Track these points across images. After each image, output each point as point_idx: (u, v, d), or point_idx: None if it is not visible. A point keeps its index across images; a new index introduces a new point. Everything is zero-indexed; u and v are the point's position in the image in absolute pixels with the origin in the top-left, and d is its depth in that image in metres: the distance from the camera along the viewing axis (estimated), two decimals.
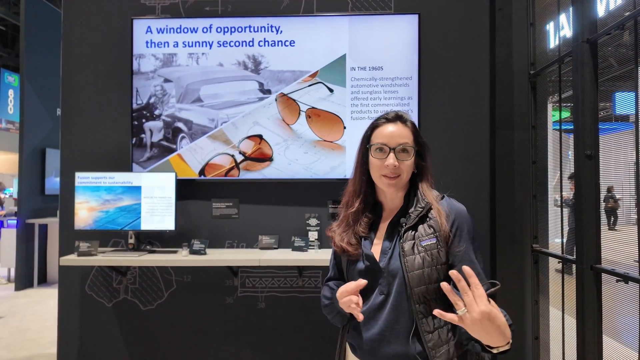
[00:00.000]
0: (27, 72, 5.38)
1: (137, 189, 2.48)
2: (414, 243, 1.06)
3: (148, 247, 2.63)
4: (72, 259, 2.39)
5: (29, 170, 5.53)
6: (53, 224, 5.54)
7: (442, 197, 1.14)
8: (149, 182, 2.49)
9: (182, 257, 2.38)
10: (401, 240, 1.07)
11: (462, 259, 1.04)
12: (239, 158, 2.63)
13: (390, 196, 1.15)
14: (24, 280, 5.49)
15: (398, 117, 1.13)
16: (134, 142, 2.65)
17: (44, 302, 4.94)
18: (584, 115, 1.81)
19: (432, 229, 1.07)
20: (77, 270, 2.68)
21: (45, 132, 5.73)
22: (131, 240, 2.52)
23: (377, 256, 1.11)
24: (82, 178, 2.50)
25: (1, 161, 11.78)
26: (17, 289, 5.43)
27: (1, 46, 9.49)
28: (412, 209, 1.10)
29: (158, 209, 2.47)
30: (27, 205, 5.51)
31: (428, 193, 1.12)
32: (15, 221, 5.56)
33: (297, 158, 2.61)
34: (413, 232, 1.07)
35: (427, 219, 1.08)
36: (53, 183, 5.78)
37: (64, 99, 2.74)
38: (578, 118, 1.84)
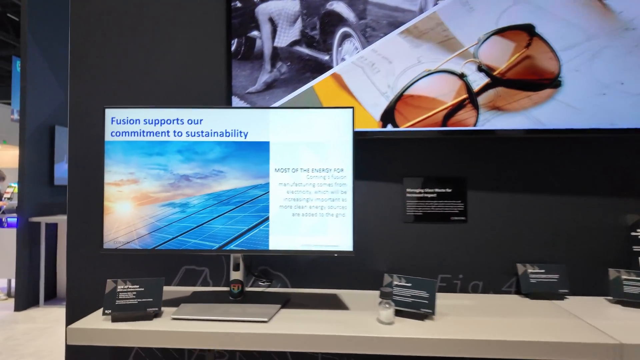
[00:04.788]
0: (34, 30, 4.20)
1: (262, 148, 1.01)
2: None
3: (267, 283, 1.17)
4: (94, 331, 0.92)
5: (33, 154, 4.41)
6: (65, 222, 4.33)
7: None
8: (289, 132, 1.01)
9: (384, 325, 0.89)
10: None
11: None
12: (478, 80, 1.13)
13: None
14: (26, 296, 4.31)
15: None
16: (234, 48, 1.17)
17: (52, 330, 3.56)
18: None
19: None
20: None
21: (55, 106, 4.57)
22: (237, 274, 1.05)
23: None
24: (121, 124, 1.03)
25: (16, 155, 11.04)
26: (18, 308, 4.21)
27: (14, 35, 8.70)
28: None
29: (312, 199, 0.99)
30: (30, 199, 4.32)
31: None
32: (16, 219, 4.30)
33: (624, 81, 1.10)
34: None
35: None
36: (65, 171, 4.71)
37: None
38: None
